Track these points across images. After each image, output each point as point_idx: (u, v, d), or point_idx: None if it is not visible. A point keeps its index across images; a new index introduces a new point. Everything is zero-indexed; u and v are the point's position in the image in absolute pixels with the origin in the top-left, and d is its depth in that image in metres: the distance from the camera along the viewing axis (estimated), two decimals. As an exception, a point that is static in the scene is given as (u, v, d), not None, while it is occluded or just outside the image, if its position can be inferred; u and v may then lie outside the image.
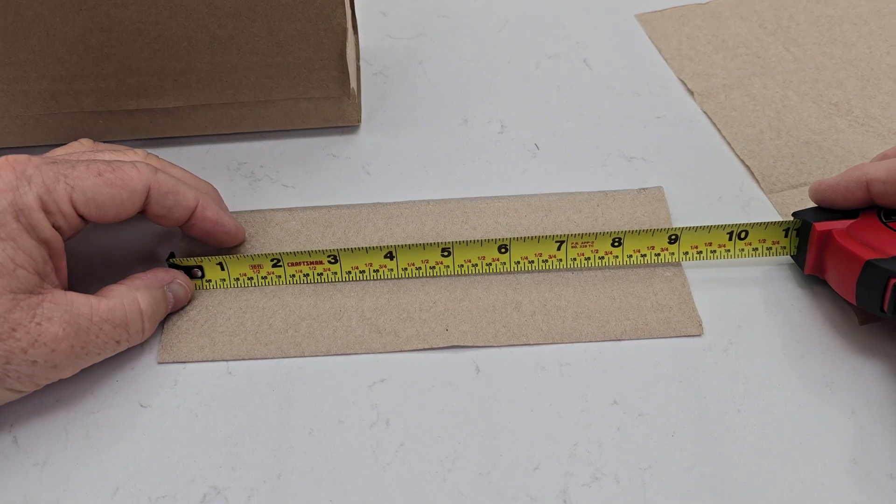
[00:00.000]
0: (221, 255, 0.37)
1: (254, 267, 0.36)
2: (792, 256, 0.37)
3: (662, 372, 0.34)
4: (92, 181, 0.31)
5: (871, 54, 0.49)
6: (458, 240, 0.36)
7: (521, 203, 0.40)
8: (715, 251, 0.37)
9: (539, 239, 0.36)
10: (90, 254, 0.38)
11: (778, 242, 0.37)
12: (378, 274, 0.37)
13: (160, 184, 0.33)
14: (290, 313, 0.36)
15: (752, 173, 0.42)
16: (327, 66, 0.40)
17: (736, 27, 0.52)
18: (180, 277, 0.35)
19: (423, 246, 0.36)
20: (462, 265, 0.37)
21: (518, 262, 0.37)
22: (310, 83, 0.41)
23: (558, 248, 0.36)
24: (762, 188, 0.41)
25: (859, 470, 0.31)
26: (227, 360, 0.34)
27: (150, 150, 0.37)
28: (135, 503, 0.30)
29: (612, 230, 0.38)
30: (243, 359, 0.34)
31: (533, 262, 0.37)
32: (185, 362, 0.34)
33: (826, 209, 0.35)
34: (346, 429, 0.32)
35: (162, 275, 0.35)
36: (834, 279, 0.34)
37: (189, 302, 0.36)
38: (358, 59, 0.47)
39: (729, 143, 0.44)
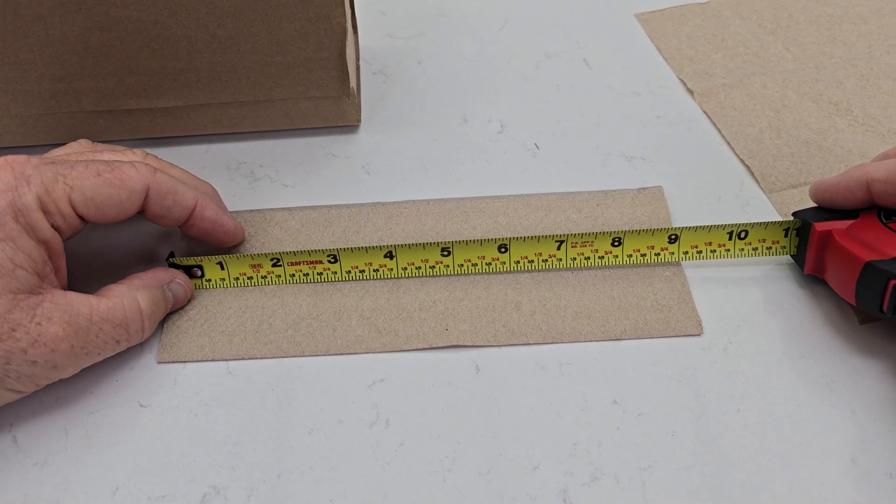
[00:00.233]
0: (221, 254, 0.37)
1: (253, 266, 0.36)
2: (792, 256, 0.37)
3: (662, 371, 0.34)
4: (91, 181, 0.31)
5: (870, 54, 0.49)
6: (457, 239, 0.36)
7: (520, 203, 0.40)
8: (715, 251, 0.37)
9: (539, 238, 0.36)
10: (90, 254, 0.38)
11: (778, 242, 0.36)
12: (378, 273, 0.37)
13: (159, 184, 0.33)
14: (289, 313, 0.36)
15: (751, 173, 0.42)
16: (327, 66, 0.40)
17: (736, 27, 0.52)
18: (180, 277, 0.35)
19: (423, 246, 0.36)
20: (462, 265, 0.37)
21: (518, 262, 0.37)
22: (309, 83, 0.41)
23: (558, 248, 0.36)
24: (762, 188, 0.41)
25: (859, 469, 0.31)
26: (226, 360, 0.34)
27: (149, 150, 0.37)
28: (134, 503, 0.30)
29: (612, 230, 0.38)
30: (243, 358, 0.34)
31: (533, 261, 0.37)
32: (184, 362, 0.34)
33: (826, 209, 0.35)
34: (346, 428, 0.32)
35: (161, 274, 0.35)
36: (833, 279, 0.34)
37: (189, 302, 0.36)
38: (358, 59, 0.47)
39: (729, 143, 0.44)
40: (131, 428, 0.32)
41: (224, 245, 0.37)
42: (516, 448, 0.32)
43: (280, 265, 0.36)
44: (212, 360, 0.34)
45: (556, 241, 0.36)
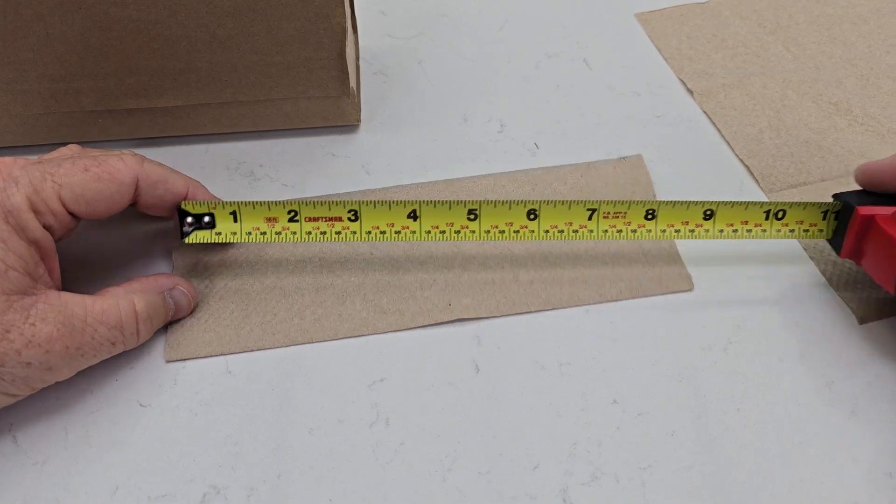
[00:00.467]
0: (236, 201, 0.35)
1: (269, 220, 0.35)
2: (828, 240, 0.36)
3: (662, 371, 0.34)
4: (79, 177, 0.31)
5: (870, 53, 0.49)
6: (486, 199, 0.35)
7: (507, 179, 0.41)
8: (751, 230, 0.36)
9: (570, 205, 0.35)
10: (86, 253, 0.38)
11: (815, 225, 0.35)
12: (399, 236, 0.35)
13: (148, 174, 0.33)
14: (293, 303, 0.36)
15: (751, 173, 0.42)
16: (327, 66, 0.40)
17: (735, 26, 0.52)
18: (182, 284, 0.35)
19: (449, 206, 0.34)
20: (489, 231, 0.35)
21: (547, 231, 0.35)
22: (309, 82, 0.41)
23: (589, 218, 0.35)
24: (761, 188, 0.41)
25: (859, 469, 0.31)
26: (235, 353, 0.34)
27: (149, 150, 0.37)
28: (134, 502, 0.30)
29: (602, 199, 0.37)
30: (251, 350, 0.34)
31: (563, 231, 0.35)
32: (193, 359, 0.34)
33: (870, 193, 0.34)
34: (346, 428, 0.32)
35: (163, 280, 0.34)
36: (871, 266, 0.34)
37: (192, 311, 0.36)
38: (357, 59, 0.47)
39: (728, 143, 0.44)
40: (131, 428, 0.32)
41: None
42: (516, 448, 0.32)
43: (297, 220, 0.35)
44: (220, 355, 0.34)
45: (588, 210, 0.35)
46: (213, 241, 0.35)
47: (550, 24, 0.53)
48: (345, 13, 0.38)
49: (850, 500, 0.30)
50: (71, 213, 0.31)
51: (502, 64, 0.50)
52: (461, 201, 0.35)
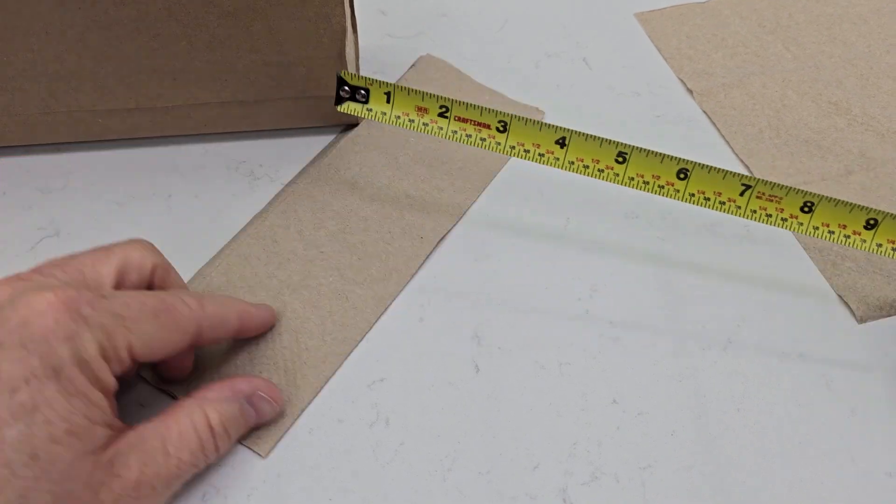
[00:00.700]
0: (392, 83, 0.35)
1: (419, 109, 0.34)
2: None
3: (662, 371, 0.34)
4: (150, 324, 0.28)
5: (870, 53, 0.49)
6: (638, 146, 0.34)
7: None
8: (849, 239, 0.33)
9: (724, 175, 0.33)
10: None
11: None
12: (543, 159, 0.34)
13: (210, 318, 0.30)
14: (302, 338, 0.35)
15: (751, 172, 0.42)
16: (327, 66, 0.40)
17: (735, 26, 0.52)
18: (263, 388, 0.31)
19: (600, 143, 0.34)
20: (633, 178, 0.34)
21: (693, 195, 0.34)
22: (309, 82, 0.41)
23: (741, 194, 0.33)
24: (762, 187, 0.41)
25: (859, 469, 0.31)
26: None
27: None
28: (134, 502, 0.30)
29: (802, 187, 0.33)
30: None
31: (710, 199, 0.34)
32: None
33: None
34: (346, 428, 0.32)
35: (241, 384, 0.31)
36: None
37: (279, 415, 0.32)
38: (357, 59, 0.47)
39: (728, 143, 0.44)
40: (131, 427, 0.32)
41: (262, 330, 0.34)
42: (516, 448, 0.32)
43: (447, 116, 0.34)
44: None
45: (743, 185, 0.33)
46: (362, 116, 0.36)
47: (550, 24, 0.53)
48: (345, 13, 0.38)
49: (850, 500, 0.30)
50: (134, 360, 0.28)
51: (502, 64, 0.50)
52: (611, 141, 0.34)
